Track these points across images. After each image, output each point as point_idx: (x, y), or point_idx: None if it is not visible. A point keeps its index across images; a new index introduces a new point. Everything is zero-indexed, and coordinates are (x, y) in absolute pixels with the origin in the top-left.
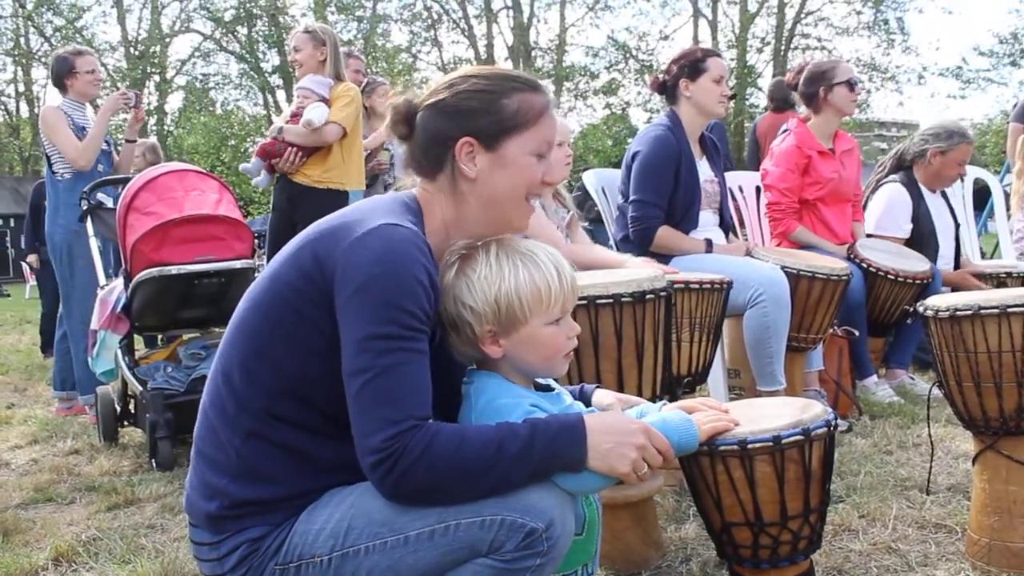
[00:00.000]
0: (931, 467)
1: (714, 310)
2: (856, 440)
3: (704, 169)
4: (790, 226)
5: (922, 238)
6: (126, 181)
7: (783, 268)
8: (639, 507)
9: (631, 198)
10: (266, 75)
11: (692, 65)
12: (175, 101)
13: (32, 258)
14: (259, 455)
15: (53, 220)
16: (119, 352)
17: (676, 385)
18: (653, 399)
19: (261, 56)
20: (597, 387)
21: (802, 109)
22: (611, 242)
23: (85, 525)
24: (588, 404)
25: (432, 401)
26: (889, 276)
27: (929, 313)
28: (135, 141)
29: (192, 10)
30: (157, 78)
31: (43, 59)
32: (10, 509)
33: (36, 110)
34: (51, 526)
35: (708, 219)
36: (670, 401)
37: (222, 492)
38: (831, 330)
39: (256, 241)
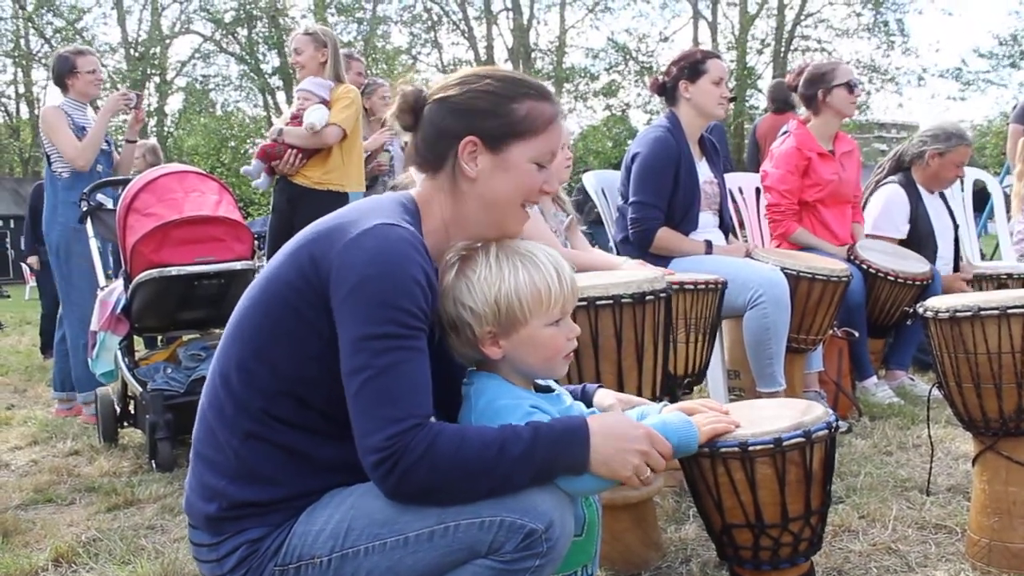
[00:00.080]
0: (931, 468)
1: (710, 311)
2: (856, 441)
3: (704, 170)
4: (790, 227)
5: (920, 239)
6: (126, 182)
7: (783, 269)
8: (639, 508)
9: (631, 200)
10: (266, 76)
11: (692, 67)
12: (175, 102)
13: (32, 259)
14: (258, 456)
15: (51, 218)
16: (119, 353)
17: (676, 386)
18: (653, 400)
19: (261, 58)
20: (599, 387)
21: (802, 111)
22: (611, 244)
23: (85, 526)
24: (589, 404)
25: (433, 401)
26: (889, 277)
27: (929, 314)
28: (135, 142)
29: (192, 11)
30: (157, 79)
31: (43, 60)
32: (10, 510)
33: (36, 111)
34: (51, 527)
35: (708, 220)
36: (670, 402)
37: (221, 493)
38: (831, 331)
39: (256, 242)
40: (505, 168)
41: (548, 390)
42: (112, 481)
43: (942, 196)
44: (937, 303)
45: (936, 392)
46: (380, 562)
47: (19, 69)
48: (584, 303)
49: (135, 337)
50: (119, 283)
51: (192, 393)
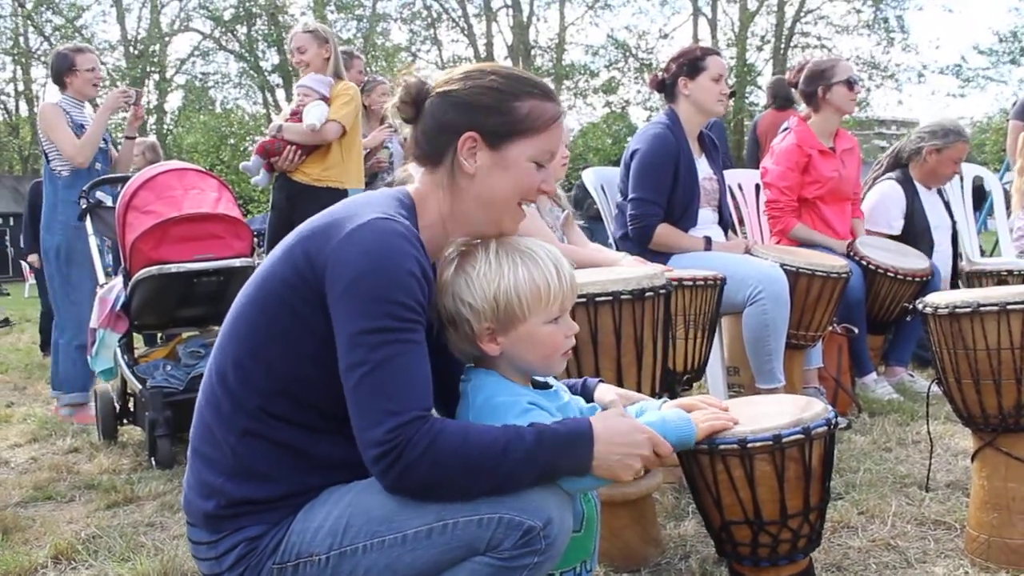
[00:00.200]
0: (930, 464)
1: (708, 307)
2: (855, 437)
3: (703, 167)
4: (788, 223)
5: (916, 235)
6: (125, 180)
7: (782, 266)
8: (638, 504)
9: (630, 196)
10: (265, 74)
11: (691, 63)
12: (175, 100)
13: (33, 257)
14: (255, 454)
15: (51, 217)
16: (118, 350)
17: (675, 382)
18: (653, 396)
19: (260, 55)
20: (600, 382)
21: (803, 107)
22: (610, 240)
23: (84, 523)
24: (590, 400)
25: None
26: (889, 274)
27: (928, 310)
28: (135, 138)
29: (191, 9)
30: (156, 77)
31: (42, 58)
32: (9, 507)
33: (35, 109)
34: (51, 524)
35: (707, 217)
36: (670, 399)
37: (219, 491)
38: (830, 328)
39: (255, 239)
40: (504, 166)
41: (546, 386)
42: (112, 478)
43: (940, 192)
44: (936, 299)
45: (935, 388)
46: (378, 559)
47: (18, 67)
48: (583, 299)
49: (134, 334)
50: (118, 280)
51: (191, 390)
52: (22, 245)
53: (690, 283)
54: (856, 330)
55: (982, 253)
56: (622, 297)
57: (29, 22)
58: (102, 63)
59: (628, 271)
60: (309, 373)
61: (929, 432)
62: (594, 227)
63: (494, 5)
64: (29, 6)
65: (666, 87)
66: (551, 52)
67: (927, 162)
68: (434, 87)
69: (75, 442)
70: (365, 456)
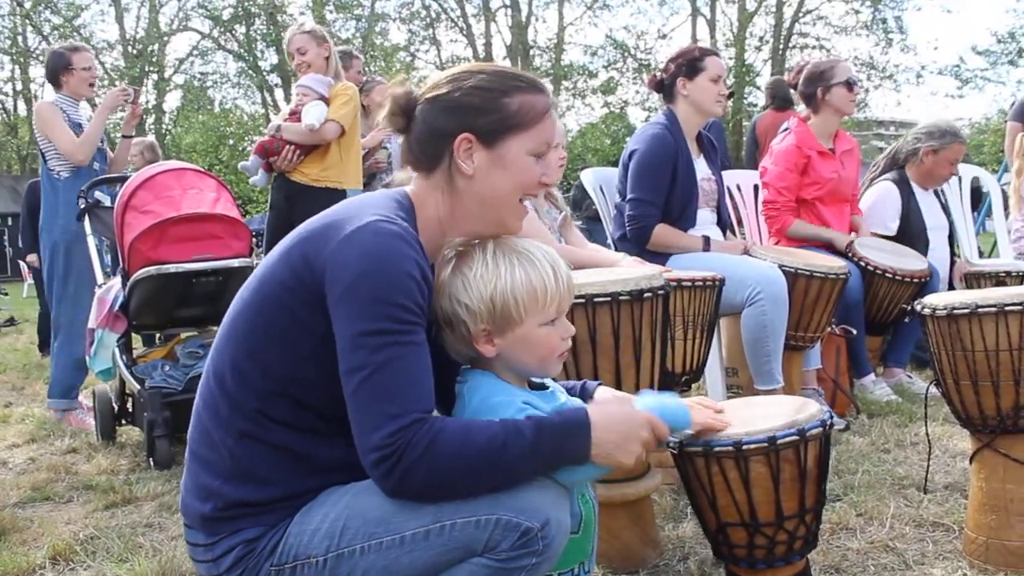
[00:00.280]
0: (928, 466)
1: (707, 307)
2: (854, 439)
3: (702, 167)
4: (786, 221)
5: (912, 236)
6: (124, 180)
7: (781, 267)
8: (637, 506)
9: (628, 196)
10: (264, 74)
11: (690, 64)
12: (173, 100)
13: (32, 258)
14: (253, 456)
15: (51, 219)
16: (117, 351)
17: (673, 383)
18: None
19: (259, 55)
20: (599, 384)
21: (802, 108)
22: (609, 241)
23: (83, 524)
24: (588, 402)
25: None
26: (887, 275)
27: (927, 312)
28: (132, 137)
29: (190, 9)
30: (155, 77)
31: (41, 57)
32: (7, 508)
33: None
34: (48, 525)
35: (705, 217)
36: None
37: (216, 493)
38: (829, 329)
39: (254, 240)
40: (502, 164)
41: (542, 387)
42: (110, 479)
43: (937, 193)
44: (935, 300)
45: (934, 390)
46: (376, 561)
47: (16, 66)
48: (582, 300)
49: (133, 334)
50: (117, 281)
51: (190, 391)
52: (20, 245)
53: (689, 284)
54: (854, 331)
55: (980, 254)
56: (620, 298)
57: (27, 21)
58: (100, 63)
59: (627, 272)
60: (307, 374)
61: (928, 434)
62: (592, 228)
63: (493, 5)
64: (28, 5)
65: (664, 88)
66: (550, 52)
67: (924, 163)
68: (422, 94)
69: (73, 443)
70: (364, 461)
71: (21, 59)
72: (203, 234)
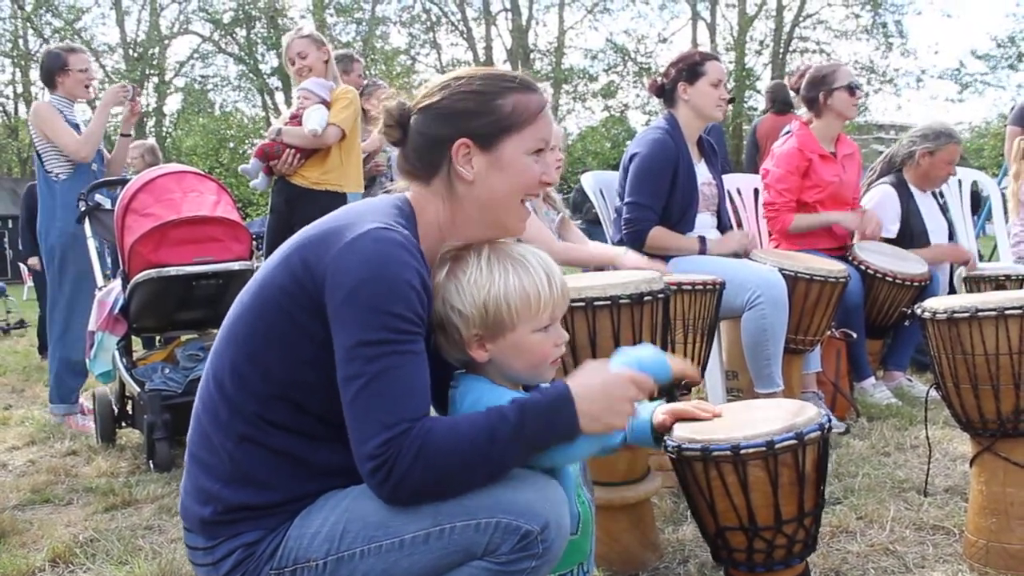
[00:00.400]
0: (928, 469)
1: (707, 311)
2: (854, 442)
3: (702, 172)
4: (786, 220)
5: (912, 238)
6: (124, 183)
7: (781, 270)
8: (636, 509)
9: (625, 200)
10: (265, 77)
11: (690, 68)
12: (174, 103)
13: (33, 260)
14: (252, 460)
15: (49, 222)
16: (117, 353)
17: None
18: (650, 400)
19: (260, 58)
20: None
21: (803, 111)
22: (609, 244)
23: (82, 526)
24: None
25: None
26: (887, 278)
27: (927, 315)
28: (130, 135)
29: (191, 12)
30: (156, 80)
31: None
32: (7, 510)
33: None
34: (48, 527)
35: (705, 221)
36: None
37: (215, 497)
38: (829, 332)
39: (254, 243)
40: (501, 166)
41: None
42: (110, 481)
43: (936, 196)
44: (935, 304)
45: (934, 393)
46: (376, 565)
47: (17, 69)
48: (582, 303)
49: (133, 337)
50: (117, 283)
51: (190, 393)
52: (20, 248)
53: (689, 287)
54: (855, 334)
55: (980, 258)
56: (620, 301)
57: (28, 24)
58: (101, 65)
59: (627, 275)
60: (307, 378)
61: (928, 437)
62: (592, 231)
63: (493, 9)
64: (28, 8)
65: (665, 92)
66: (550, 56)
67: (920, 165)
68: (414, 105)
69: (73, 445)
70: (360, 469)
71: (22, 62)
72: (203, 237)
